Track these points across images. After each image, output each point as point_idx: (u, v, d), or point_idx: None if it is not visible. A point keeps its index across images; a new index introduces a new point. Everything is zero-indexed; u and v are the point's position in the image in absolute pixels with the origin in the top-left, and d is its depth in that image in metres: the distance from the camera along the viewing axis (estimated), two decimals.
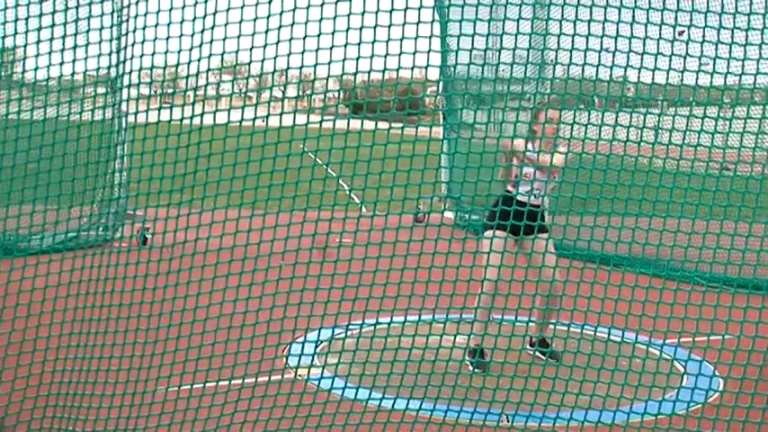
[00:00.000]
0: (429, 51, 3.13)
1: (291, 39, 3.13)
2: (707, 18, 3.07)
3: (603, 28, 3.09)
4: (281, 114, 3.24)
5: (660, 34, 3.09)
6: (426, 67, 3.18)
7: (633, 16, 3.10)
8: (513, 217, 3.61)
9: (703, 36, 3.08)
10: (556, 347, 4.71)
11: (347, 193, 4.09)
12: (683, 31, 3.13)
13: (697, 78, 3.17)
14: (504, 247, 3.91)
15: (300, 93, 3.98)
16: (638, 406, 3.36)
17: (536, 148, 4.45)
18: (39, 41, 3.46)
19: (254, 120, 3.32)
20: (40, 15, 3.43)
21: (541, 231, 4.45)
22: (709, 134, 3.19)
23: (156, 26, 3.28)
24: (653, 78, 3.18)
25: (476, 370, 4.41)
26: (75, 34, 3.42)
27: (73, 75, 3.47)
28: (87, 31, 3.44)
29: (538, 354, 4.74)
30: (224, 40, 3.19)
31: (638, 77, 3.18)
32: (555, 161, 4.27)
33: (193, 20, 3.22)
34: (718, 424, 3.10)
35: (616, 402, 3.25)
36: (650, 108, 3.59)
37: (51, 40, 3.42)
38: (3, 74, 4.23)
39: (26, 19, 3.45)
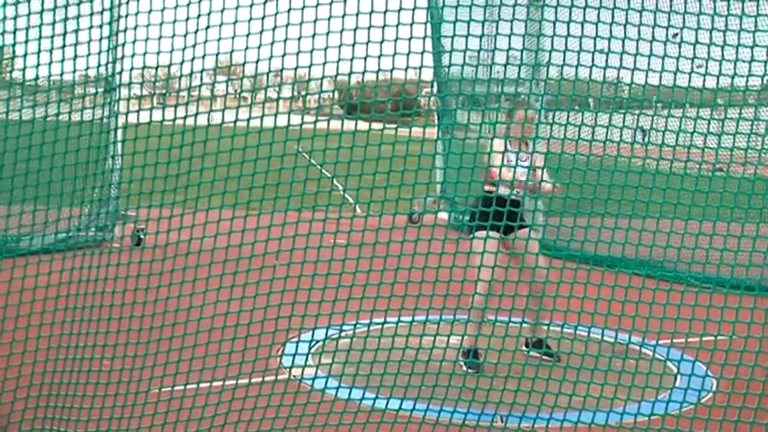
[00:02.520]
0: (423, 52, 3.14)
1: (286, 39, 3.13)
2: (700, 20, 3.09)
3: (597, 29, 3.10)
4: (275, 115, 3.24)
5: (653, 36, 3.10)
6: (420, 68, 3.18)
7: (626, 18, 3.12)
8: (500, 215, 3.59)
9: (696, 38, 3.10)
10: (549, 347, 4.72)
11: (341, 193, 4.09)
12: (676, 34, 3.14)
13: (690, 80, 3.18)
14: (497, 248, 3.90)
15: (295, 93, 3.98)
16: (632, 407, 3.37)
17: (514, 148, 4.44)
18: (27, 40, 3.43)
19: (248, 120, 3.31)
20: (29, 15, 3.41)
21: (526, 228, 4.48)
22: (702, 135, 3.21)
23: (148, 26, 3.27)
24: (646, 80, 3.19)
25: (469, 371, 4.41)
26: (64, 33, 3.40)
27: (61, 74, 3.45)
28: (76, 30, 3.42)
29: (534, 354, 4.75)
30: (218, 40, 3.19)
31: (632, 79, 3.19)
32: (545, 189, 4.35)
33: (186, 20, 3.21)
34: (711, 424, 3.12)
35: (609, 403, 3.26)
36: (643, 109, 3.61)
37: (39, 39, 3.40)
38: None
39: (14, 18, 3.42)
